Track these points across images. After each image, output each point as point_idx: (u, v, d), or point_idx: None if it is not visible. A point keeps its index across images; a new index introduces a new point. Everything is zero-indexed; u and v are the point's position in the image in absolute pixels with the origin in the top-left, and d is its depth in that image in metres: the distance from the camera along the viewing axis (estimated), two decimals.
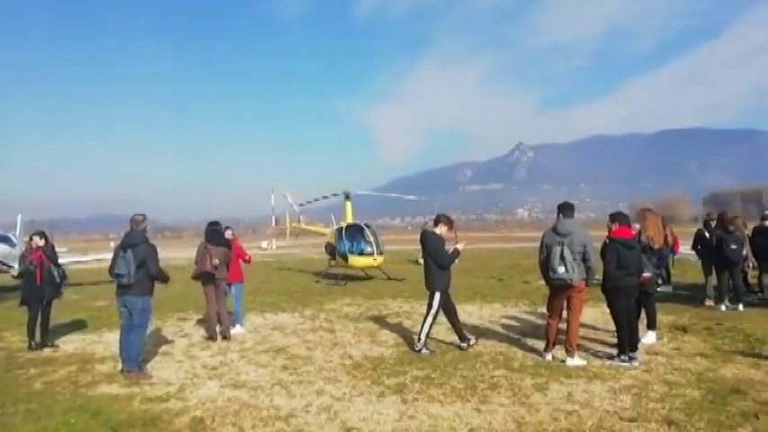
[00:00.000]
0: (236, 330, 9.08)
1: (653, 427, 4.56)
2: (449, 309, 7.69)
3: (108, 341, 8.47)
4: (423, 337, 7.44)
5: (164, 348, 8.10)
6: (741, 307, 9.92)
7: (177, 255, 33.45)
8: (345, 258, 16.75)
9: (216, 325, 8.60)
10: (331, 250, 17.93)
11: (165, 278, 6.98)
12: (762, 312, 9.68)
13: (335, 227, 18.59)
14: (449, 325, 9.23)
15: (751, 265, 10.82)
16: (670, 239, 13.35)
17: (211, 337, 8.54)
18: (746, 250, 10.39)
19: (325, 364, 6.99)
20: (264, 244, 47.81)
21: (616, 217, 7.06)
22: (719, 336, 7.86)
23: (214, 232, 8.79)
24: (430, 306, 7.51)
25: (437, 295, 7.44)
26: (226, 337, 8.54)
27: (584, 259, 6.59)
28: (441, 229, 7.61)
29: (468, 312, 10.68)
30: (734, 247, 10.04)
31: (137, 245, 6.68)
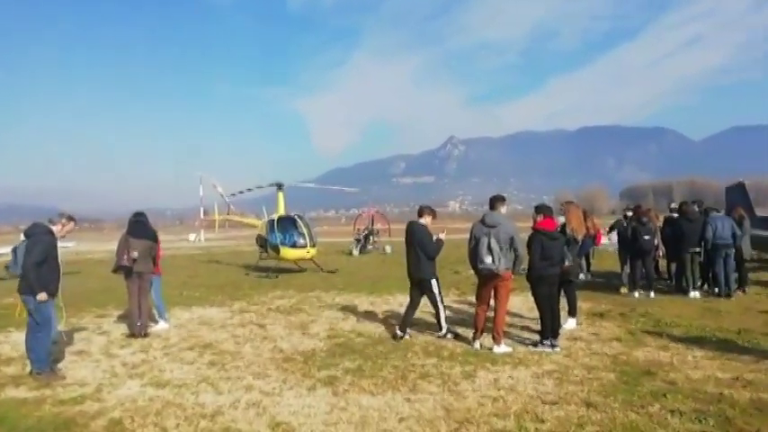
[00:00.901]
0: (160, 326, 8.69)
1: (573, 409, 4.78)
2: (415, 300, 7.92)
3: (15, 341, 7.83)
4: (443, 323, 7.67)
5: (79, 347, 7.61)
6: (652, 294, 10.62)
7: (98, 248, 31.63)
8: (277, 251, 16.45)
9: (137, 321, 8.18)
10: (262, 242, 17.55)
11: (33, 278, 6.01)
12: (670, 298, 10.42)
13: (267, 218, 18.21)
14: (382, 315, 9.31)
15: (661, 254, 11.60)
16: (591, 231, 14.11)
17: (133, 334, 8.11)
18: (658, 240, 11.12)
19: (254, 358, 6.82)
20: (192, 236, 46.13)
21: (541, 209, 7.34)
22: (633, 321, 8.38)
23: (137, 224, 8.34)
24: (431, 295, 7.73)
25: (434, 282, 7.70)
26: (147, 334, 8.15)
27: (512, 249, 6.81)
28: (426, 220, 7.83)
29: (400, 303, 10.78)
30: (647, 237, 10.71)
31: (29, 236, 6.23)
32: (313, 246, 16.65)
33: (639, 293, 10.66)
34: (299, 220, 17.06)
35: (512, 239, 6.78)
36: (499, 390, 5.37)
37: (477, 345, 7.07)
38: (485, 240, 6.74)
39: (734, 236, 10.33)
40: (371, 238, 25.73)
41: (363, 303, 10.76)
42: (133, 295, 8.24)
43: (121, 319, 9.43)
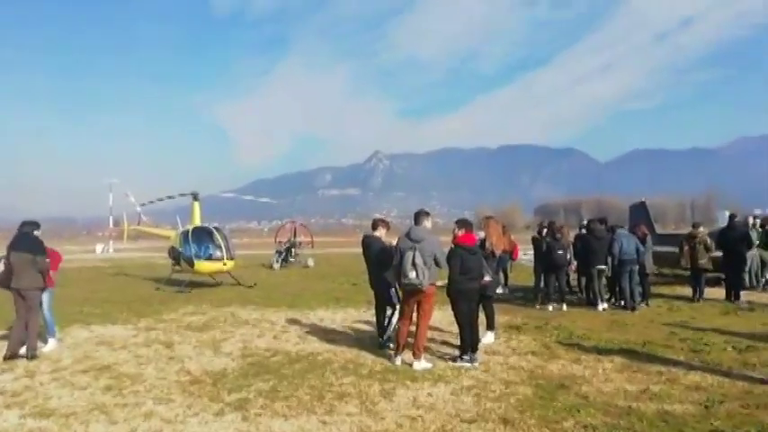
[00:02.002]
0: (49, 346, 7.85)
1: (490, 427, 4.72)
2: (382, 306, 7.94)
3: None
4: (390, 330, 7.68)
5: None
6: (564, 307, 11.01)
7: None
8: (191, 263, 15.58)
9: (20, 341, 7.33)
10: (175, 255, 16.56)
11: None
12: (581, 311, 10.84)
13: (181, 229, 17.25)
14: (300, 332, 8.98)
15: (573, 268, 12.09)
16: (509, 246, 14.53)
17: (13, 356, 7.25)
18: (570, 255, 11.58)
19: (157, 381, 6.26)
20: (99, 247, 43.09)
21: (461, 224, 7.35)
22: (547, 334, 8.59)
23: (19, 235, 7.52)
24: (389, 304, 7.74)
25: (392, 291, 7.61)
26: (34, 356, 7.31)
27: (435, 264, 6.76)
28: (380, 232, 7.89)
29: (321, 318, 10.50)
30: (560, 252, 11.13)
31: None
32: (230, 258, 15.93)
33: (553, 307, 11.02)
34: (215, 231, 16.27)
35: (436, 254, 6.75)
36: (418, 408, 5.23)
37: (398, 361, 6.92)
38: (410, 255, 6.64)
39: (638, 252, 10.96)
40: (293, 250, 25.12)
41: (281, 319, 10.34)
42: (18, 313, 7.39)
43: (4, 339, 8.44)
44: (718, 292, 12.06)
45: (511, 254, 14.27)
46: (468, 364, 6.78)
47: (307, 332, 9.06)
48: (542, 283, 11.59)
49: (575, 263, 11.78)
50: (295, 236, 26.80)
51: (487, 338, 8.04)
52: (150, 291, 15.58)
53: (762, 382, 5.78)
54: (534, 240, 12.47)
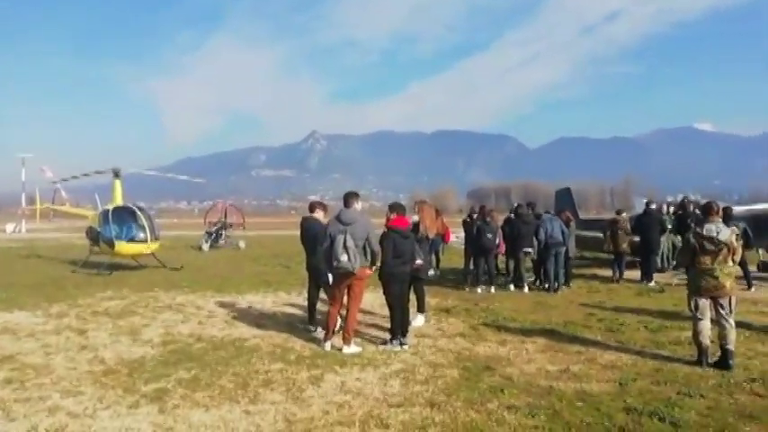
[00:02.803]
0: None
1: (417, 411, 4.72)
2: (313, 294, 7.90)
3: None
4: None
5: None
6: (493, 289, 11.31)
7: None
8: (111, 245, 14.70)
9: None
10: (93, 236, 15.58)
11: None
12: (508, 293, 11.17)
13: (101, 209, 16.22)
14: (228, 317, 8.70)
15: (502, 251, 12.41)
16: (441, 229, 14.69)
17: None
18: (499, 239, 11.87)
19: (66, 372, 5.83)
20: (10, 227, 39.96)
21: (394, 207, 7.31)
22: (475, 316, 8.76)
23: None
24: (326, 287, 7.42)
25: (330, 276, 7.12)
26: None
27: (368, 247, 6.67)
28: (318, 215, 7.85)
29: (250, 302, 10.21)
30: (489, 236, 11.38)
31: None
32: (155, 239, 15.18)
33: (482, 289, 11.28)
34: (138, 211, 15.41)
35: (368, 237, 6.66)
36: (346, 394, 5.16)
37: (327, 346, 6.81)
38: (341, 238, 6.52)
39: (563, 236, 11.40)
40: (224, 232, 24.34)
41: (208, 304, 9.96)
42: None
43: None
44: (634, 275, 12.79)
45: (443, 237, 14.47)
46: (398, 348, 6.78)
47: (234, 317, 8.77)
48: (472, 266, 11.82)
49: (503, 246, 12.10)
50: (226, 217, 25.98)
51: (418, 321, 8.09)
52: (65, 273, 14.59)
53: (670, 359, 6.15)
54: (465, 224, 12.69)
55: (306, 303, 8.29)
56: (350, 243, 6.48)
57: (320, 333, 7.29)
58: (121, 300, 10.39)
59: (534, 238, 11.47)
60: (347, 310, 6.80)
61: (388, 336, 7.08)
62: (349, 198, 6.98)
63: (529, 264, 12.33)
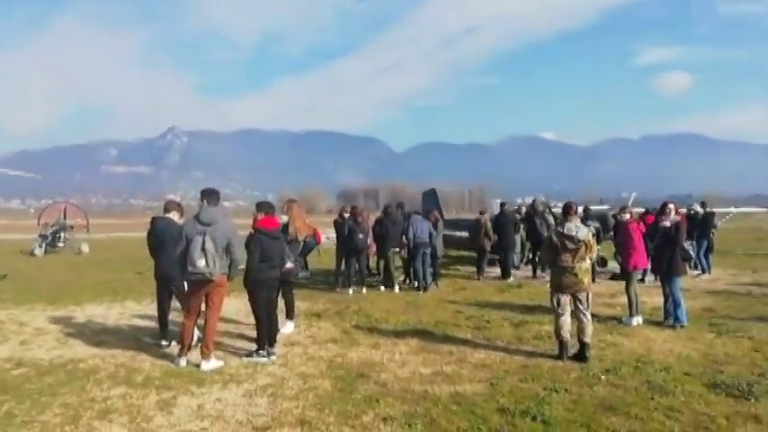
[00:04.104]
0: None
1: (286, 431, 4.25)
2: (164, 302, 7.11)
3: None
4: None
5: None
6: (364, 290, 11.13)
7: None
8: None
9: None
10: None
11: None
12: (379, 293, 11.07)
13: None
14: (61, 334, 7.47)
15: (373, 251, 12.29)
16: (311, 231, 14.20)
17: None
18: (370, 239, 11.74)
19: None
20: None
21: (262, 206, 6.74)
22: (347, 319, 8.46)
23: None
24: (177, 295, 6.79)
25: (185, 284, 6.34)
26: None
27: (228, 251, 6.02)
28: (173, 216, 7.09)
29: (90, 315, 8.87)
30: (361, 236, 11.19)
31: None
32: None
33: (354, 290, 11.04)
34: None
35: (230, 240, 6.00)
36: (203, 420, 4.51)
37: (182, 362, 6.03)
38: (198, 240, 5.79)
39: (430, 236, 11.59)
40: (62, 234, 21.43)
41: (36, 319, 8.46)
42: None
43: None
44: (495, 272, 13.45)
45: (316, 237, 14.04)
46: (265, 359, 6.23)
47: (69, 334, 7.50)
48: (343, 267, 11.54)
49: (374, 246, 12.01)
50: (65, 217, 22.94)
51: (287, 328, 7.58)
52: None
53: (534, 354, 6.36)
54: (336, 224, 12.38)
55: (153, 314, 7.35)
56: (209, 246, 5.79)
57: (174, 348, 6.47)
58: None
59: (404, 238, 11.54)
60: (205, 322, 6.08)
61: (254, 347, 6.48)
62: (210, 195, 6.25)
63: (399, 263, 12.37)
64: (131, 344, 6.95)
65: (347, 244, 11.27)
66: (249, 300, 6.53)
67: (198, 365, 5.89)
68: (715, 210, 15.73)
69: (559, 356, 6.14)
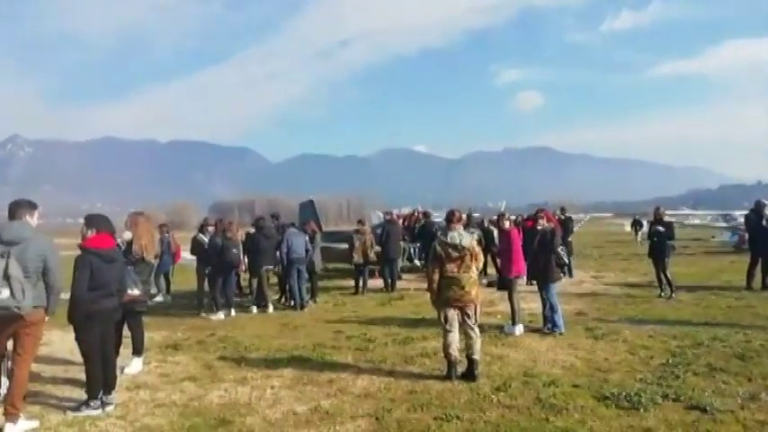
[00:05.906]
0: None
1: None
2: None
3: None
4: None
5: None
6: (233, 312, 9.98)
7: None
8: None
9: None
10: None
11: None
12: (250, 316, 10.01)
13: None
14: None
15: (244, 268, 11.10)
16: (173, 247, 12.77)
17: None
18: (241, 255, 10.59)
19: None
20: None
21: (92, 221, 5.42)
22: (212, 349, 7.32)
23: None
24: None
25: None
26: None
27: (44, 277, 4.72)
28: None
29: None
30: (234, 251, 10.04)
31: None
32: None
33: (221, 313, 9.84)
34: None
35: (45, 262, 4.70)
36: None
37: None
38: (1, 264, 4.44)
39: (306, 250, 10.77)
40: None
41: None
42: None
43: None
44: (377, 283, 12.95)
45: (173, 255, 12.56)
46: (98, 411, 4.97)
47: None
48: (207, 287, 10.29)
49: (244, 262, 10.90)
50: None
51: (133, 367, 6.30)
52: None
53: (421, 376, 5.81)
54: (194, 241, 11.16)
55: None
56: (14, 271, 4.45)
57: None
58: None
59: (277, 253, 10.59)
60: (13, 373, 4.69)
61: (84, 397, 5.17)
62: (19, 208, 4.90)
63: (274, 280, 11.37)
64: None
65: (217, 260, 10.03)
66: (76, 338, 5.18)
67: (1, 429, 4.50)
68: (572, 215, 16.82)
69: (448, 376, 5.65)
